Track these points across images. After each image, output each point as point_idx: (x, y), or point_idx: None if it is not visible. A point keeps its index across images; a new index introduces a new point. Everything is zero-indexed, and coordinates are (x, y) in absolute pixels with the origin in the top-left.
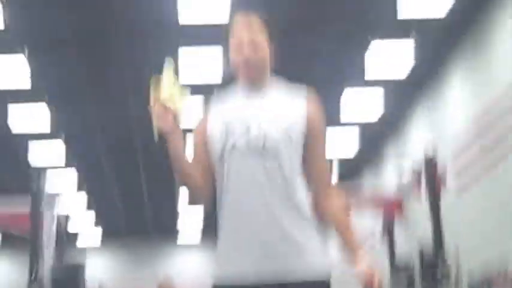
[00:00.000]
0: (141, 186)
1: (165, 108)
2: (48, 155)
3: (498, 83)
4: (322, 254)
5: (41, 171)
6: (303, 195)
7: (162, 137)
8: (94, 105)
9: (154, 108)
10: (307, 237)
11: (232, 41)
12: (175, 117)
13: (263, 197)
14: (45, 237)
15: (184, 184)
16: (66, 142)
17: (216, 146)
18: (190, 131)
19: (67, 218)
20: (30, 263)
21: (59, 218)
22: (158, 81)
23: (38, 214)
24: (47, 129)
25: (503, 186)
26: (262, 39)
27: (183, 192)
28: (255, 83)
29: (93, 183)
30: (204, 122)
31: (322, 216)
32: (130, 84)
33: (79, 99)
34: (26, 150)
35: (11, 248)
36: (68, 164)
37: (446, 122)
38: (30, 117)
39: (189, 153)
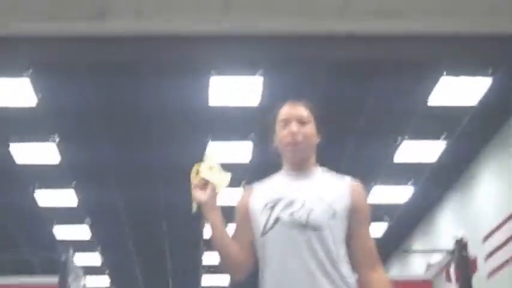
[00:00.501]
0: (165, 269)
1: (205, 182)
2: (74, 237)
3: None
4: None
5: (69, 244)
6: (346, 268)
7: (199, 210)
8: (120, 189)
9: (195, 181)
10: None
11: (280, 121)
12: (214, 192)
13: (306, 270)
14: None
15: (223, 259)
16: (92, 225)
17: (259, 221)
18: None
19: None
20: None
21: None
22: (199, 166)
23: (65, 285)
24: (73, 213)
25: None
26: (309, 119)
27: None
28: (300, 164)
29: (116, 266)
30: (246, 199)
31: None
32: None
33: (106, 182)
34: (51, 229)
35: None
36: (93, 247)
37: (475, 208)
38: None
39: (230, 231)
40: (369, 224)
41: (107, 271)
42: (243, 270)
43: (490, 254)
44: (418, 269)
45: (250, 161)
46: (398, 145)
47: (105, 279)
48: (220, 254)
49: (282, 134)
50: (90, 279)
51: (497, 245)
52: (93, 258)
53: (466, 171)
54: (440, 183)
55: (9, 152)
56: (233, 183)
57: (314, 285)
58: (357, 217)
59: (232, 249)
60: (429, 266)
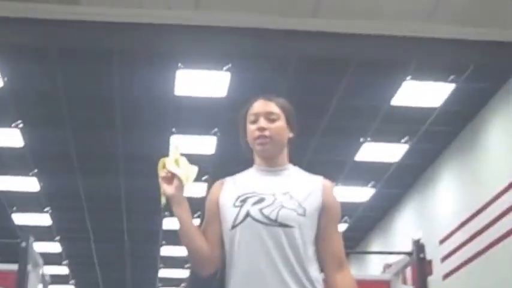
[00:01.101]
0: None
1: (172, 175)
2: (34, 223)
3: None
4: None
5: (29, 231)
6: (314, 269)
7: (168, 203)
8: (82, 175)
9: (162, 174)
10: None
11: (250, 116)
12: (180, 186)
13: (273, 267)
14: None
15: (190, 253)
16: (52, 213)
17: (228, 215)
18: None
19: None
20: None
21: (44, 278)
22: (165, 160)
23: (25, 271)
24: (34, 200)
25: (487, 272)
26: (279, 116)
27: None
28: (270, 159)
29: (76, 254)
30: (217, 192)
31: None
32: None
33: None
34: (10, 215)
35: None
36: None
37: (434, 209)
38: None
39: (197, 224)
40: (338, 225)
41: (66, 260)
42: (210, 265)
43: (446, 257)
44: (375, 269)
45: (214, 154)
46: (360, 145)
47: (63, 269)
48: (187, 248)
49: (250, 129)
50: (49, 268)
51: (452, 248)
52: (53, 246)
53: (427, 173)
54: (400, 184)
55: None
56: (196, 177)
57: (281, 284)
58: (327, 217)
59: (200, 244)
60: (386, 266)
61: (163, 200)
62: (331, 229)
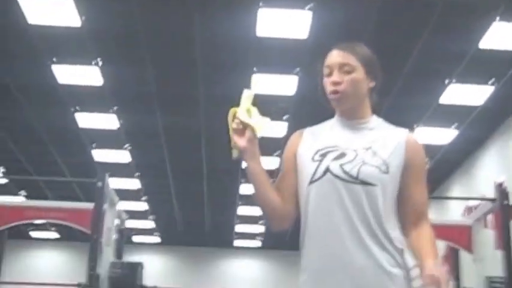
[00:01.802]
0: (202, 192)
1: (243, 126)
2: (113, 160)
3: None
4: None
5: (108, 168)
6: (395, 230)
7: (240, 155)
8: (161, 114)
9: (233, 126)
10: (398, 267)
11: (324, 68)
12: (253, 137)
13: (351, 226)
14: (105, 234)
15: (263, 208)
16: (131, 150)
17: (307, 169)
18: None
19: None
20: (89, 257)
21: (120, 215)
22: (236, 109)
23: (101, 210)
24: (114, 137)
25: None
26: (355, 67)
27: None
28: (349, 113)
29: (154, 191)
30: (295, 144)
31: (410, 245)
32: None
33: (147, 104)
34: (90, 152)
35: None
36: (131, 172)
37: None
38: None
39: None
40: (424, 182)
41: (145, 196)
42: (282, 221)
43: None
44: (455, 211)
45: (295, 94)
46: (445, 87)
47: (143, 204)
48: (259, 202)
49: (326, 83)
50: (128, 204)
51: None
52: (132, 183)
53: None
54: (484, 127)
55: (51, 71)
56: (277, 116)
57: (359, 242)
58: (411, 174)
59: (272, 199)
60: (467, 210)
61: (234, 153)
62: (415, 187)
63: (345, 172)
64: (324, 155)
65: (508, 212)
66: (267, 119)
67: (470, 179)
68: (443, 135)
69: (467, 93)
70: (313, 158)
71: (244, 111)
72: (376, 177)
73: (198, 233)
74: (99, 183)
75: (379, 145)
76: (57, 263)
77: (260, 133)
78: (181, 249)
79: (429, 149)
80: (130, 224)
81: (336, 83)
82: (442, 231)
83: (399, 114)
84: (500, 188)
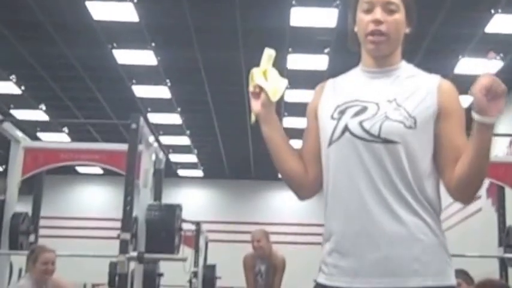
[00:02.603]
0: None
1: (260, 90)
2: (154, 95)
3: None
4: (447, 264)
5: (148, 104)
6: (428, 187)
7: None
8: (200, 48)
9: (250, 89)
10: (431, 234)
11: (364, 3)
12: (268, 102)
13: (375, 188)
14: (142, 175)
15: (283, 176)
16: (171, 86)
17: (326, 128)
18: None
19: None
20: (124, 201)
21: (158, 156)
22: (253, 72)
23: (135, 152)
24: (153, 73)
25: None
26: (399, 6)
27: None
28: (381, 60)
29: (196, 125)
30: (316, 100)
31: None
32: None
33: (184, 39)
34: (131, 88)
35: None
36: (173, 108)
37: None
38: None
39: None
40: (464, 132)
41: (188, 130)
42: (306, 190)
43: None
44: (500, 146)
45: (335, 27)
46: (491, 16)
47: (185, 139)
48: (279, 170)
49: (363, 20)
50: (171, 138)
51: None
52: (174, 118)
53: None
54: None
55: (86, 8)
56: (318, 49)
57: (384, 207)
58: (447, 124)
59: (290, 166)
60: None
61: (252, 117)
62: (455, 135)
63: (365, 130)
64: (343, 112)
65: None
66: (284, 83)
67: None
68: (489, 66)
69: None
70: (332, 116)
71: (261, 74)
72: (400, 134)
73: (242, 166)
74: (133, 125)
75: (405, 96)
76: (102, 198)
77: (275, 98)
78: (226, 183)
79: (474, 80)
80: (175, 158)
81: (379, 22)
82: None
83: (443, 44)
84: None
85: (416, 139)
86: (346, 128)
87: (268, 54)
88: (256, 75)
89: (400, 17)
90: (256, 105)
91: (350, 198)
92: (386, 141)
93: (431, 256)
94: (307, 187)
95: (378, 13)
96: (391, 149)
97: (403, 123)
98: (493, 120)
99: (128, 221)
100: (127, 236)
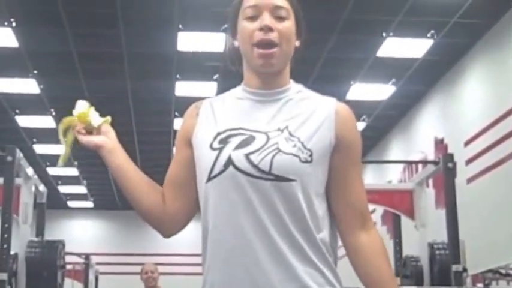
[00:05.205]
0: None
1: (84, 125)
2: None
3: None
4: None
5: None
6: (323, 228)
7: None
8: (85, 78)
9: (73, 130)
10: (328, 286)
11: (247, 9)
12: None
13: (264, 233)
14: (21, 211)
15: (140, 210)
16: (56, 115)
17: (204, 160)
18: None
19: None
20: (1, 238)
21: (39, 189)
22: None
23: (11, 186)
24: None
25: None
26: (288, 13)
27: None
28: (269, 79)
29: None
30: (191, 123)
31: (349, 253)
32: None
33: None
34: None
35: None
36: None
37: (458, 110)
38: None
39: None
40: (359, 167)
41: (75, 162)
42: (168, 225)
43: (471, 160)
44: (394, 171)
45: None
46: (383, 40)
47: (74, 170)
48: (134, 206)
49: (248, 29)
50: (59, 170)
51: (479, 150)
52: (60, 149)
53: (452, 70)
54: (423, 81)
55: None
56: (206, 75)
57: (275, 256)
58: (343, 157)
59: (149, 200)
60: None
61: (61, 160)
62: (350, 174)
63: (253, 164)
64: (224, 141)
65: (453, 176)
66: (107, 118)
67: (409, 135)
68: (381, 91)
69: (405, 46)
70: (211, 146)
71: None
72: (295, 170)
73: None
74: (9, 158)
75: (298, 123)
76: None
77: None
78: (117, 214)
79: (367, 105)
80: (64, 189)
81: (268, 29)
82: (382, 196)
83: (335, 69)
84: (443, 150)
85: (312, 175)
86: (229, 161)
87: (81, 105)
88: (85, 116)
89: (291, 25)
90: (96, 139)
91: (234, 244)
92: (279, 178)
93: None
94: (167, 223)
95: (267, 19)
96: (284, 187)
97: (298, 157)
98: None
99: (4, 260)
100: (4, 276)
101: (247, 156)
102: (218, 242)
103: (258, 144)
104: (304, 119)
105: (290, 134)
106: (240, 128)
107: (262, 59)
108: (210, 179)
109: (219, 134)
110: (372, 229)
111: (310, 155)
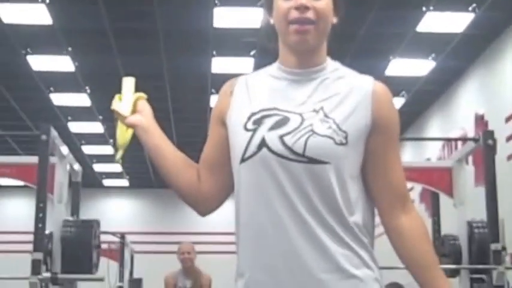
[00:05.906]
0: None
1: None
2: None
3: None
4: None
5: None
6: (358, 211)
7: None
8: (120, 55)
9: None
10: (364, 267)
11: None
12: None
13: (296, 215)
14: (56, 190)
15: (176, 188)
16: (91, 93)
17: (237, 142)
18: None
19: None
20: (35, 218)
21: (74, 167)
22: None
23: (46, 165)
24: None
25: None
26: None
27: None
28: (305, 57)
29: None
30: (225, 101)
31: (391, 236)
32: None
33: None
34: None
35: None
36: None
37: (500, 85)
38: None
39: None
40: (398, 147)
41: (110, 140)
42: (203, 204)
43: None
44: (433, 148)
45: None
46: (423, 15)
47: (108, 148)
48: (170, 185)
49: (284, 7)
50: (92, 148)
51: None
52: (95, 127)
53: (493, 44)
54: (464, 56)
55: None
56: (243, 51)
57: (308, 238)
58: (381, 139)
59: (185, 178)
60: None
61: (118, 154)
62: (389, 156)
63: (287, 147)
64: (258, 122)
65: (493, 154)
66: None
67: (449, 111)
68: (421, 66)
69: (445, 21)
70: (245, 126)
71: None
72: (329, 152)
73: None
74: (43, 136)
75: (334, 104)
76: (22, 211)
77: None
78: (153, 192)
79: (406, 81)
80: (99, 168)
81: (304, 8)
82: (420, 174)
83: (374, 44)
84: (483, 126)
85: (347, 157)
86: (263, 143)
87: (127, 83)
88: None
89: (328, 2)
90: (131, 119)
91: (266, 224)
92: (312, 161)
93: None
94: (203, 201)
95: None
96: (317, 170)
97: (332, 139)
98: None
99: (39, 239)
100: (39, 255)
101: (281, 137)
102: (249, 223)
103: (293, 125)
104: (340, 99)
105: (325, 115)
106: (275, 108)
107: (298, 35)
108: (243, 160)
109: (253, 114)
110: (413, 211)
111: (346, 137)
